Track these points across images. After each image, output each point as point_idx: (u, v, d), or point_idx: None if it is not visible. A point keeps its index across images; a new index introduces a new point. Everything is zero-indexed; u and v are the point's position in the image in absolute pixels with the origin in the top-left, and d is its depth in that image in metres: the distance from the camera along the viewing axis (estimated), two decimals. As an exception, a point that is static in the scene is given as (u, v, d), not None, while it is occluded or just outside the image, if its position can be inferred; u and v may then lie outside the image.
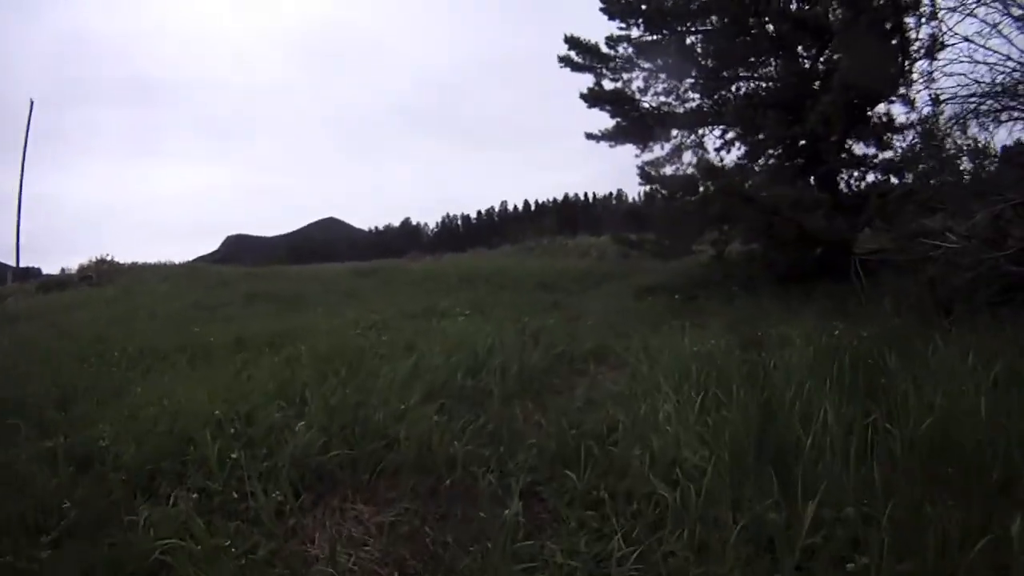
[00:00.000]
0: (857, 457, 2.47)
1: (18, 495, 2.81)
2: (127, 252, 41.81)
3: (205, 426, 3.34)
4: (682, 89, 10.00)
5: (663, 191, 10.68)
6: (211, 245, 61.78)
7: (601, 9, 10.79)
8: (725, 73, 9.23)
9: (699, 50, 9.74)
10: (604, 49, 10.62)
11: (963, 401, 2.79)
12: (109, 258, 17.67)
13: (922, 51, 6.76)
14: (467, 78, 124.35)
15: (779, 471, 2.42)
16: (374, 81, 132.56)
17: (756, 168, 8.60)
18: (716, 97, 9.71)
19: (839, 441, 2.57)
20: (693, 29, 9.74)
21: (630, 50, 10.26)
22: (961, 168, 5.61)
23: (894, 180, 6.81)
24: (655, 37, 10.36)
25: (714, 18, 9.24)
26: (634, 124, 10.49)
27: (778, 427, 2.85)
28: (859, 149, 8.04)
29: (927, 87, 6.61)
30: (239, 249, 47.32)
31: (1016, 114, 6.02)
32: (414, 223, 63.33)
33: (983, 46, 5.53)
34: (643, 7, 9.86)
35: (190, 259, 22.99)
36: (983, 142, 5.69)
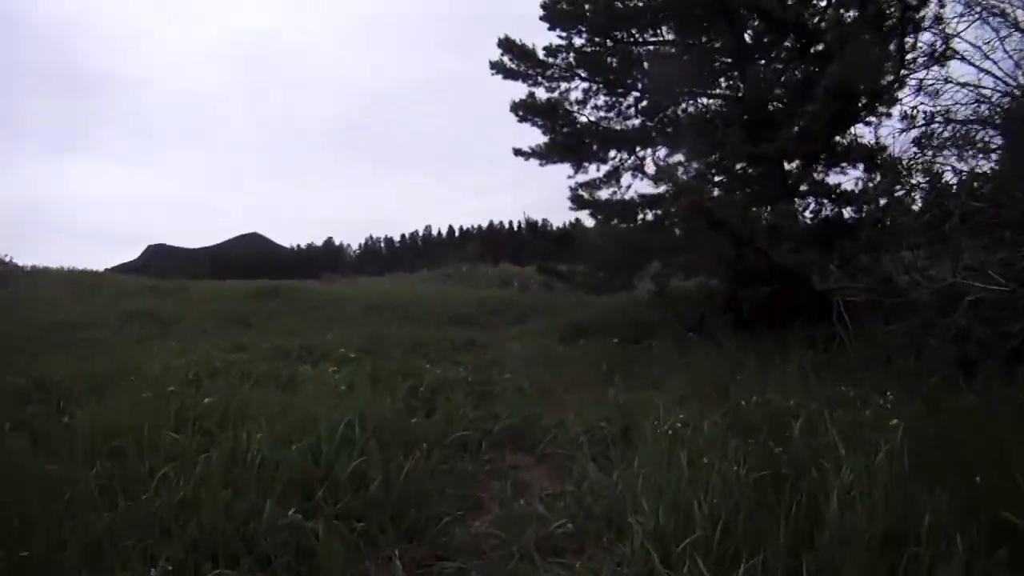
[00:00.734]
0: None
1: None
2: (34, 255, 36.14)
3: None
4: (625, 104, 8.94)
5: (598, 216, 9.51)
6: (133, 253, 55.70)
7: (541, 17, 9.56)
8: (677, 88, 8.18)
9: (646, 63, 8.72)
10: (541, 55, 9.44)
11: None
12: (8, 259, 15.72)
13: (924, 58, 6.01)
14: (398, 98, 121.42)
15: None
16: (302, 98, 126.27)
17: (714, 192, 7.51)
18: (661, 116, 8.70)
19: None
20: (642, 40, 8.73)
21: (571, 57, 9.12)
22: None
23: (884, 204, 5.83)
24: (598, 49, 9.34)
25: (672, 23, 8.23)
26: (569, 140, 9.27)
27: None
28: (842, 172, 7.10)
29: (931, 98, 5.85)
30: (160, 260, 42.91)
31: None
32: (337, 243, 60.60)
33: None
34: (588, 12, 8.77)
35: (107, 267, 21.16)
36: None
